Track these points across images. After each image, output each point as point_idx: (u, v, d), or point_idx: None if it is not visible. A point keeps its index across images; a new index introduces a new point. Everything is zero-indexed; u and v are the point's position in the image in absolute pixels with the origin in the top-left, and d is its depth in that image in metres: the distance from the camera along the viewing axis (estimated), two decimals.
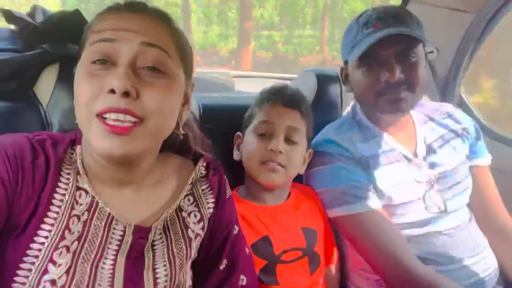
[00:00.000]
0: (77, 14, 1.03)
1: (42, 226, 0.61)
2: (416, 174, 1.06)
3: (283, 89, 1.03)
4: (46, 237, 0.61)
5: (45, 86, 1.00)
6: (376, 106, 1.03)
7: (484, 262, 1.06)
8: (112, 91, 0.57)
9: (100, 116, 0.57)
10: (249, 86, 2.45)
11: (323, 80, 1.44)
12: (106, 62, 0.59)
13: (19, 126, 0.95)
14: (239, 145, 1.03)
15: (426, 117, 1.16)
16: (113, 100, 0.57)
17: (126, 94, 0.57)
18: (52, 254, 0.60)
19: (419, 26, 1.02)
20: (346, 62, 1.10)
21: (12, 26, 1.05)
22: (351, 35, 1.05)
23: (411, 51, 1.00)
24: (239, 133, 1.04)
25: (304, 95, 1.07)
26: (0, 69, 0.96)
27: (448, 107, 1.22)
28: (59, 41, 1.01)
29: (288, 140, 0.96)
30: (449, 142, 1.13)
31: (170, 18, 0.67)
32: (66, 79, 0.99)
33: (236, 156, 1.03)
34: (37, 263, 0.60)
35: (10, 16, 1.02)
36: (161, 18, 0.65)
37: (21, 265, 0.59)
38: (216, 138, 1.20)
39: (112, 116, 0.57)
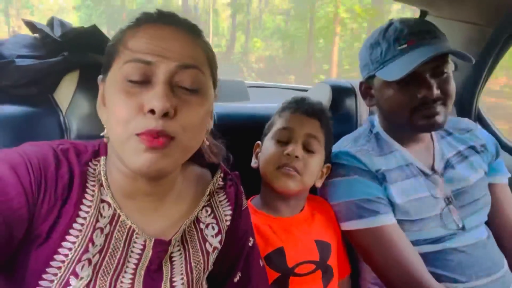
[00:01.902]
0: (95, 29, 1.06)
1: (67, 237, 0.61)
2: (433, 190, 1.04)
3: (304, 99, 1.03)
4: (70, 249, 0.61)
5: (65, 92, 1.02)
6: (411, 122, 1.01)
7: (502, 281, 1.03)
8: (152, 112, 0.56)
9: (139, 135, 0.57)
10: (263, 96, 2.46)
11: (338, 91, 1.43)
12: (141, 79, 0.59)
13: (38, 131, 0.97)
14: (257, 153, 1.03)
15: (444, 132, 1.15)
16: (152, 121, 0.57)
17: (165, 114, 0.57)
18: (74, 267, 0.60)
19: (446, 40, 1.01)
20: (369, 78, 1.08)
21: (36, 34, 1.08)
22: (378, 51, 1.02)
23: (445, 66, 0.99)
24: (259, 142, 1.05)
25: (326, 107, 1.06)
26: (22, 75, 0.98)
27: (467, 122, 1.21)
28: (79, 50, 1.03)
29: (306, 149, 0.96)
30: (467, 158, 1.11)
31: (199, 29, 0.67)
32: (85, 86, 1.01)
33: (253, 163, 1.03)
34: (59, 275, 0.59)
35: (32, 27, 1.06)
36: (193, 31, 0.65)
37: (44, 276, 0.59)
38: (230, 148, 1.21)
39: (149, 137, 0.57)
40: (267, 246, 0.91)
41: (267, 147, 0.99)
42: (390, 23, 1.03)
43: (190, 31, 0.64)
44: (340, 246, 1.03)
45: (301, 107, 0.99)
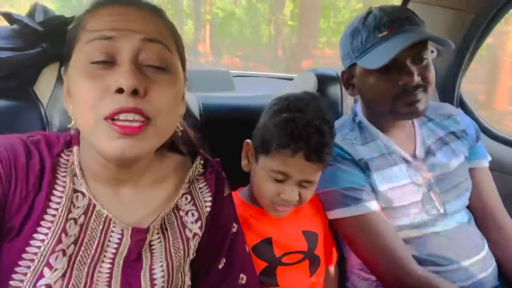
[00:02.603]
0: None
1: (39, 229, 0.60)
2: (415, 177, 1.06)
3: (309, 133, 0.85)
4: (43, 241, 0.60)
5: (45, 85, 1.00)
6: (393, 110, 1.01)
7: (483, 263, 1.06)
8: (120, 91, 0.54)
9: (109, 118, 0.55)
10: (249, 85, 2.45)
11: (324, 80, 1.44)
12: (105, 61, 0.56)
13: (19, 125, 0.95)
14: (248, 155, 0.96)
15: (425, 118, 1.16)
16: (122, 100, 0.54)
17: (134, 92, 0.55)
18: (48, 258, 0.60)
19: (425, 26, 1.02)
20: (351, 66, 1.08)
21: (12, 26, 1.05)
22: (359, 39, 1.02)
23: (425, 53, 0.99)
24: (248, 141, 0.96)
25: (329, 142, 0.90)
26: (0, 67, 0.96)
27: (448, 108, 1.22)
28: (59, 40, 1.01)
29: (303, 186, 0.90)
30: (448, 144, 1.13)
31: (163, 11, 0.66)
32: None
33: (245, 167, 0.97)
34: (32, 267, 0.59)
35: (10, 18, 1.03)
36: (156, 11, 0.63)
37: (16, 269, 0.58)
38: (216, 138, 1.21)
39: (121, 116, 0.55)
40: (255, 237, 0.91)
41: (261, 177, 0.91)
42: (369, 11, 1.03)
43: (153, 11, 0.63)
44: (328, 234, 1.04)
45: (304, 149, 0.84)
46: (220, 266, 0.76)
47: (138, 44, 0.57)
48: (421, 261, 0.99)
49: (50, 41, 1.00)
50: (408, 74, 0.96)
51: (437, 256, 1.02)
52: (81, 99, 0.57)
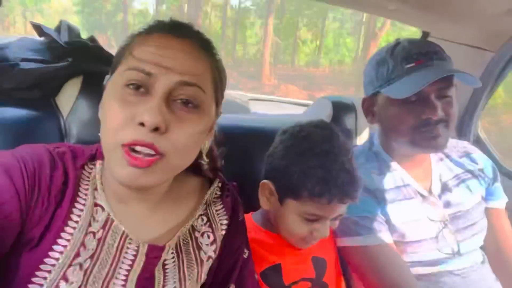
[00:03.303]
0: (92, 39, 1.08)
1: (59, 241, 0.60)
2: (430, 212, 1.04)
3: (342, 178, 0.82)
4: (61, 253, 0.60)
5: (67, 97, 1.02)
6: (413, 141, 1.00)
7: None
8: (142, 124, 0.56)
9: (126, 146, 0.56)
10: (264, 109, 2.47)
11: (339, 107, 1.44)
12: (139, 88, 0.58)
13: (38, 134, 0.97)
14: (266, 194, 0.93)
15: (443, 154, 1.15)
16: (141, 133, 0.56)
17: (156, 129, 0.56)
18: (65, 271, 0.60)
19: (452, 62, 1.02)
20: (373, 95, 1.08)
21: (40, 38, 1.09)
22: (385, 68, 1.02)
23: (450, 89, 0.99)
24: (266, 182, 0.91)
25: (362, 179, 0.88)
26: (25, 78, 0.99)
27: (465, 145, 1.21)
28: (83, 57, 1.04)
29: (335, 219, 0.90)
30: (465, 182, 1.11)
31: (212, 46, 0.66)
32: (88, 92, 1.02)
33: (265, 206, 0.94)
34: (49, 279, 0.59)
35: (40, 30, 1.06)
36: (203, 46, 0.63)
37: (33, 279, 0.58)
38: (231, 159, 1.21)
39: (138, 148, 0.56)
40: (263, 263, 0.90)
41: (291, 219, 0.88)
42: (398, 42, 1.04)
43: (201, 46, 0.63)
44: (337, 261, 1.02)
45: (336, 194, 0.82)
46: None
47: (173, 85, 0.58)
48: None
49: (75, 56, 1.03)
50: (432, 108, 0.96)
51: None
52: (109, 120, 0.58)
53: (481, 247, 1.11)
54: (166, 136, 0.57)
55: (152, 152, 0.56)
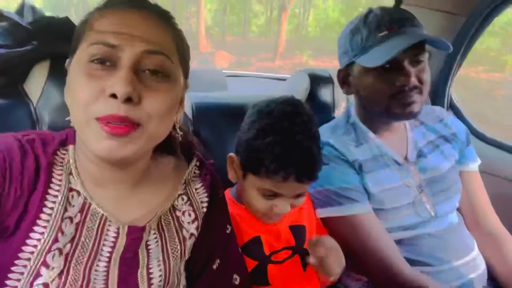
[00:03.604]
0: (67, 20, 1.03)
1: (35, 228, 0.60)
2: (406, 179, 1.06)
3: (299, 156, 0.82)
4: (39, 240, 0.60)
5: (35, 82, 0.99)
6: (388, 110, 1.01)
7: (473, 264, 1.08)
8: (114, 96, 0.55)
9: (100, 119, 0.56)
10: (242, 85, 2.45)
11: (316, 80, 1.44)
12: (105, 62, 0.57)
13: (8, 123, 0.94)
14: (234, 167, 0.93)
15: (417, 121, 1.17)
16: (114, 106, 0.55)
17: (128, 99, 0.55)
18: (45, 257, 0.60)
19: (423, 29, 1.03)
20: (348, 65, 1.08)
21: (2, 23, 1.03)
22: (359, 38, 1.02)
23: (422, 55, 1.00)
24: (232, 155, 0.92)
25: (321, 145, 0.88)
26: None
27: (439, 111, 1.23)
28: (49, 39, 1.00)
29: (295, 198, 0.89)
30: (439, 147, 1.14)
31: (171, 16, 0.66)
32: (57, 76, 0.98)
33: (232, 178, 0.94)
34: (29, 266, 0.59)
35: (0, 15, 1.01)
36: (163, 17, 0.63)
37: (13, 268, 0.58)
38: (209, 137, 1.21)
39: (112, 123, 0.56)
40: (243, 236, 0.91)
41: (251, 193, 0.89)
42: (370, 11, 1.04)
43: (160, 17, 0.62)
44: (318, 224, 1.03)
45: (294, 172, 0.81)
46: (215, 267, 0.77)
47: (139, 54, 0.58)
48: (412, 262, 0.99)
49: (41, 39, 0.99)
50: (406, 75, 0.97)
51: (428, 257, 1.03)
52: (77, 96, 0.57)
53: (457, 209, 1.15)
54: (140, 106, 0.57)
55: (127, 124, 0.56)
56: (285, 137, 0.82)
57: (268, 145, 0.82)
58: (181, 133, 0.74)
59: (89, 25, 0.60)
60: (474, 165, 1.20)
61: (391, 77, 0.98)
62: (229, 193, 1.00)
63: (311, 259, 0.85)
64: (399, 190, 1.05)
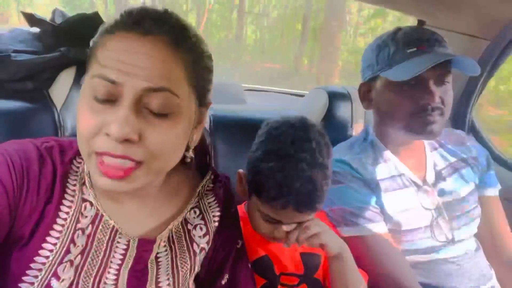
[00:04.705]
0: (96, 16, 1.05)
1: (48, 239, 0.60)
2: (424, 201, 1.04)
3: (300, 185, 0.78)
4: (51, 251, 0.59)
5: (61, 88, 1.01)
6: (408, 127, 1.00)
7: None
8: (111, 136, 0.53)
9: (99, 154, 0.54)
10: (260, 99, 2.46)
11: (334, 98, 1.44)
12: (107, 99, 0.55)
13: (32, 127, 0.96)
14: (241, 184, 0.91)
15: (437, 143, 1.15)
16: (111, 144, 0.53)
17: (127, 140, 0.53)
18: (56, 269, 0.59)
19: (451, 51, 1.02)
20: (371, 80, 1.08)
21: (32, 29, 1.07)
22: (386, 52, 1.02)
23: (448, 76, 1.00)
24: (241, 171, 0.91)
25: (322, 195, 0.82)
26: (17, 69, 0.98)
27: (459, 134, 1.21)
28: (77, 44, 1.03)
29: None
30: (459, 170, 1.12)
31: (186, 38, 0.59)
32: (82, 83, 1.01)
33: (240, 193, 0.92)
34: (40, 277, 0.58)
35: (32, 19, 1.05)
36: (174, 41, 0.57)
37: (24, 278, 0.58)
38: (226, 150, 1.21)
39: (106, 159, 0.54)
40: (254, 253, 0.89)
41: (254, 214, 0.87)
42: (399, 29, 1.04)
43: (169, 42, 0.56)
44: None
45: (294, 201, 0.78)
46: (223, 282, 0.76)
47: (140, 92, 0.54)
48: (426, 287, 0.97)
49: (68, 45, 1.02)
50: (430, 93, 0.96)
51: (444, 283, 1.01)
52: (80, 129, 0.56)
53: (475, 235, 1.12)
54: (141, 144, 0.54)
55: (128, 163, 0.54)
56: (288, 164, 0.79)
57: (270, 170, 0.79)
58: (192, 155, 0.70)
59: (95, 51, 0.57)
60: (494, 191, 1.17)
61: (414, 95, 0.98)
62: (243, 208, 0.98)
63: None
64: (416, 212, 1.03)
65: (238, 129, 1.26)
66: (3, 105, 0.95)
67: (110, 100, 0.54)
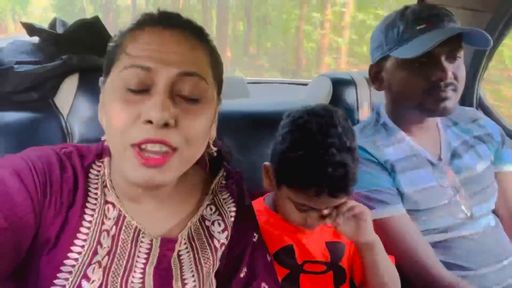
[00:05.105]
0: (96, 21, 1.06)
1: (75, 241, 0.61)
2: (441, 179, 1.04)
3: (332, 170, 0.78)
4: (80, 253, 0.61)
5: (65, 96, 1.02)
6: (422, 105, 1.00)
7: (511, 268, 1.03)
8: (150, 122, 0.54)
9: (136, 146, 0.55)
10: (264, 92, 2.45)
11: (338, 84, 1.43)
12: (141, 89, 0.57)
13: (40, 136, 0.97)
14: (268, 176, 0.92)
15: (450, 121, 1.14)
16: (151, 131, 0.55)
17: (165, 125, 0.55)
18: (85, 270, 0.60)
19: (460, 25, 1.01)
20: (381, 60, 1.07)
21: (32, 40, 1.08)
22: (395, 31, 1.01)
23: (459, 51, 0.99)
24: (267, 164, 0.92)
25: (357, 155, 0.84)
26: (21, 80, 0.98)
27: (472, 112, 1.21)
28: (78, 51, 1.03)
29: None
30: (474, 147, 1.11)
31: (206, 33, 0.64)
32: (85, 89, 1.01)
33: (267, 187, 0.93)
34: (70, 279, 0.59)
35: (31, 28, 1.05)
36: (197, 34, 0.62)
37: (55, 281, 0.59)
38: (233, 145, 1.21)
39: (149, 146, 0.55)
40: (276, 244, 0.90)
41: (285, 204, 0.88)
42: (407, 7, 1.03)
43: (194, 35, 0.61)
44: None
45: (327, 187, 0.79)
46: (242, 275, 0.76)
47: (174, 78, 0.57)
48: (448, 266, 0.96)
49: (69, 53, 1.02)
50: (442, 70, 0.95)
51: (464, 261, 1.00)
52: (113, 122, 0.57)
53: (493, 211, 1.11)
54: (177, 130, 0.56)
55: (165, 148, 0.56)
56: (318, 151, 0.79)
57: (300, 159, 0.80)
58: (215, 149, 0.73)
59: (122, 48, 0.59)
60: (510, 167, 1.16)
61: (426, 72, 0.97)
62: (263, 201, 0.98)
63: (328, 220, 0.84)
64: (433, 190, 1.02)
65: (245, 124, 1.26)
66: (10, 117, 0.96)
67: (144, 90, 0.56)
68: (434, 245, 1.00)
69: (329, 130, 0.81)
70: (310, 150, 0.80)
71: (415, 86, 0.99)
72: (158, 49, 0.57)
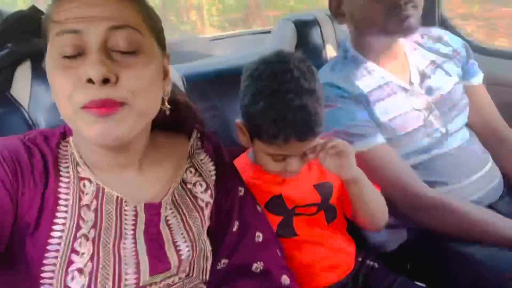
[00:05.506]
0: (33, 9, 0.99)
1: (56, 220, 0.62)
2: (414, 103, 1.06)
3: (293, 116, 0.78)
4: (62, 231, 0.62)
5: (21, 86, 0.97)
6: (386, 28, 1.00)
7: (490, 175, 1.10)
8: (90, 81, 0.54)
9: (85, 108, 0.56)
10: (229, 47, 2.40)
11: (302, 27, 1.40)
12: (75, 53, 0.56)
13: (5, 131, 0.93)
14: (242, 132, 0.91)
15: (414, 43, 1.15)
16: (93, 91, 0.55)
17: (105, 81, 0.55)
18: (72, 245, 0.62)
19: None
20: None
21: None
22: None
23: None
24: (238, 121, 0.90)
25: (321, 94, 0.83)
26: None
27: (435, 31, 1.21)
28: (23, 38, 0.97)
29: (306, 154, 0.86)
30: (441, 66, 1.13)
31: None
32: (41, 75, 0.95)
33: (244, 144, 0.92)
34: (59, 257, 0.61)
35: None
36: None
37: (45, 261, 0.60)
38: (205, 106, 1.19)
39: (94, 108, 0.56)
40: (265, 195, 0.91)
41: (262, 157, 0.89)
42: None
43: None
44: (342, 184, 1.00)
45: (294, 133, 0.79)
46: (234, 229, 0.78)
47: (105, 33, 0.56)
48: (431, 184, 1.01)
49: (15, 40, 0.96)
50: None
51: (446, 176, 1.05)
52: (58, 90, 0.57)
53: (467, 125, 1.16)
54: (119, 86, 0.56)
55: (111, 105, 0.56)
56: (276, 99, 0.79)
57: (262, 110, 0.80)
58: (170, 107, 0.72)
59: (50, 18, 0.58)
60: (478, 79, 1.19)
61: None
62: (247, 156, 0.99)
63: (310, 155, 0.85)
64: (408, 115, 1.05)
65: (213, 83, 1.23)
66: None
67: (79, 53, 0.56)
68: (416, 167, 1.04)
69: (285, 75, 0.81)
70: (268, 100, 0.80)
71: (375, 9, 0.99)
72: (85, 10, 0.56)
